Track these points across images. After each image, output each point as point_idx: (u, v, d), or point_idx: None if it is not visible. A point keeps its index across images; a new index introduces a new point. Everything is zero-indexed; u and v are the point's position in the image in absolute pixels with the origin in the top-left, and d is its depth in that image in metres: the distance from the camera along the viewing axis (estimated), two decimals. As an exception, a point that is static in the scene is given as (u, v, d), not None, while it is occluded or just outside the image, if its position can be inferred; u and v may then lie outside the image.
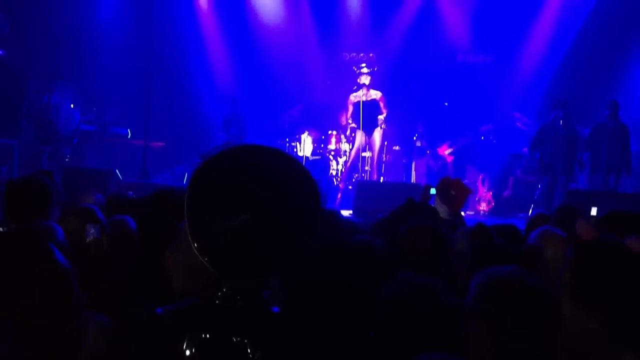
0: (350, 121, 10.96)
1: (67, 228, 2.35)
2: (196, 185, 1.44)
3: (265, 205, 1.39)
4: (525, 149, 11.22)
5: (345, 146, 11.35)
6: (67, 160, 10.60)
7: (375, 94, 10.72)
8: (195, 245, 1.40)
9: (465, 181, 10.30)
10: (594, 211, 6.85)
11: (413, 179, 11.52)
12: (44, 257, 1.50)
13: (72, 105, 10.59)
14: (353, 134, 11.01)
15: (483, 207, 11.38)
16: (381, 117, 10.68)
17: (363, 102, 10.57)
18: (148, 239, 2.40)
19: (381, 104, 10.68)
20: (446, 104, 12.03)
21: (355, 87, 10.80)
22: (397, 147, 11.94)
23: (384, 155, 11.19)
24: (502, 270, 1.57)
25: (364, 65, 10.82)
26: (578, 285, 1.79)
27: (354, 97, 10.80)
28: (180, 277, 1.94)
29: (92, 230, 2.41)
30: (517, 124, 11.86)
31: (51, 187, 2.93)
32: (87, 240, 2.39)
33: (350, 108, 10.83)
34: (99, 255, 2.40)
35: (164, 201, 2.48)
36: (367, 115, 10.56)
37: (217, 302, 1.43)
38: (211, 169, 1.45)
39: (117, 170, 8.62)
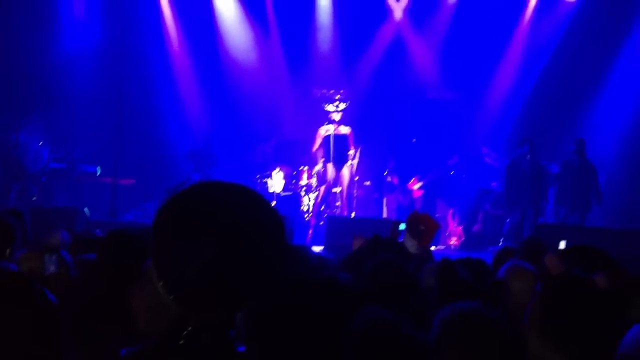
0: (318, 154, 10.99)
1: (27, 269, 2.31)
2: (161, 221, 1.42)
3: (231, 241, 1.38)
4: (494, 184, 11.36)
5: (316, 181, 11.36)
6: (34, 199, 10.46)
7: (345, 130, 10.79)
8: (161, 283, 1.39)
9: (437, 216, 10.44)
10: (562, 244, 6.89)
11: (384, 214, 11.56)
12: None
13: (40, 143, 10.49)
14: (323, 169, 11.03)
15: (453, 241, 11.46)
16: (350, 153, 10.76)
17: (333, 136, 10.64)
18: (110, 278, 2.37)
19: (350, 140, 10.77)
20: (414, 140, 12.15)
21: (327, 121, 10.87)
22: (368, 183, 12.01)
23: (354, 191, 11.23)
24: (464, 306, 1.58)
25: (337, 103, 10.86)
26: (547, 320, 1.79)
27: (323, 131, 10.85)
28: (144, 316, 1.91)
29: (52, 267, 2.36)
30: (486, 159, 12.02)
31: (14, 227, 2.87)
32: (47, 273, 2.34)
33: (319, 140, 10.87)
34: (61, 291, 2.35)
35: (120, 241, 2.45)
36: (337, 150, 10.63)
37: (181, 342, 1.41)
38: (176, 205, 1.44)
39: (85, 209, 8.51)
